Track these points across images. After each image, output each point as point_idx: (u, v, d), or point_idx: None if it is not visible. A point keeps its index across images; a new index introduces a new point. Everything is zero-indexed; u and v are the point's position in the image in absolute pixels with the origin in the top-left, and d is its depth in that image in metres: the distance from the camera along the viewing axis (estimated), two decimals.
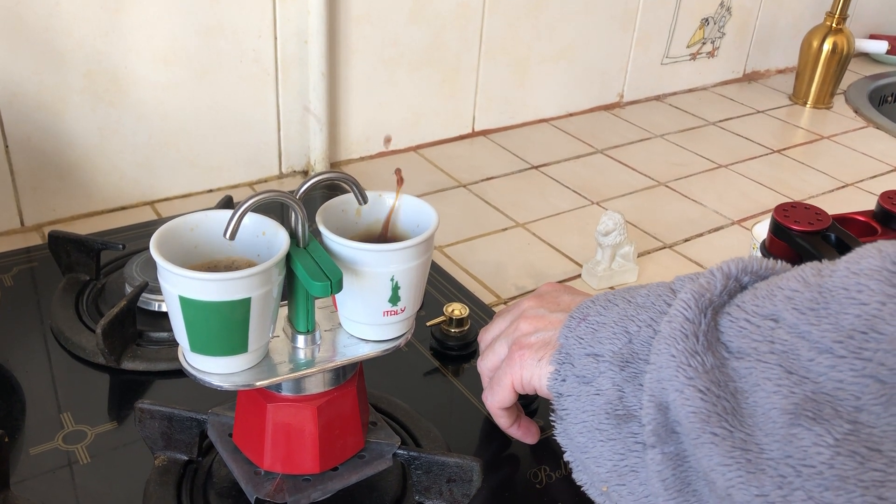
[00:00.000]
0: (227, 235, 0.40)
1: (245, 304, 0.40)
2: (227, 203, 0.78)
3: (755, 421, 0.34)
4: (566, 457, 0.45)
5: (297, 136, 0.92)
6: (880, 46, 1.31)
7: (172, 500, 0.50)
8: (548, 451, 0.57)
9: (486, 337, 0.56)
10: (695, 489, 0.37)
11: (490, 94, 1.06)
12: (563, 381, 0.44)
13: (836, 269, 0.35)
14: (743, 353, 0.36)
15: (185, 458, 0.52)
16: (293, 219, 0.43)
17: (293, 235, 0.43)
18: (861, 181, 1.02)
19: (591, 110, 1.17)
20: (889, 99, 1.38)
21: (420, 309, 0.71)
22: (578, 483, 0.44)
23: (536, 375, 0.47)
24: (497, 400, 0.52)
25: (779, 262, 0.41)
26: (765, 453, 0.33)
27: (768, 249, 0.69)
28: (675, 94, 1.25)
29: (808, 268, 0.37)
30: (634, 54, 1.17)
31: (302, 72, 0.88)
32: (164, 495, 0.50)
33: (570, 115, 1.15)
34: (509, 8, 1.01)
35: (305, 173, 0.93)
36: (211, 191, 0.89)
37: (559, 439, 0.45)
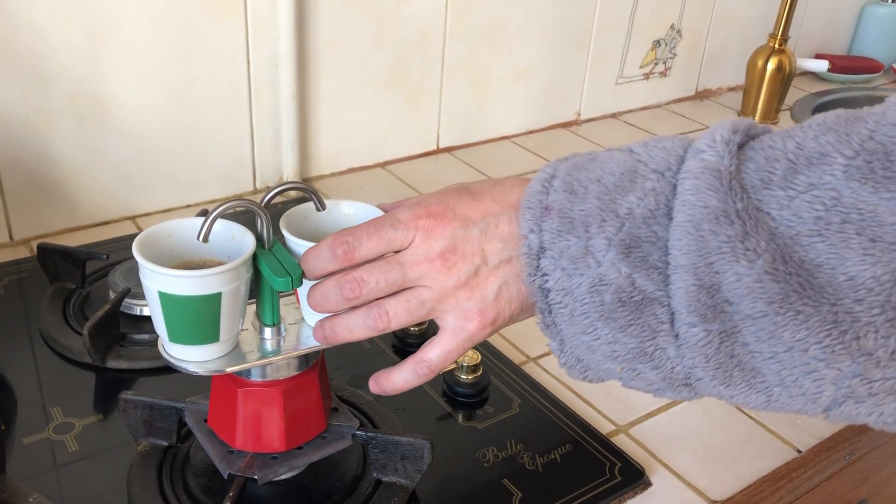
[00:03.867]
0: (201, 238, 0.46)
1: (216, 298, 0.46)
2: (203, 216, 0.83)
3: (839, 291, 0.35)
4: (552, 346, 0.45)
5: (269, 154, 0.98)
6: (821, 65, 1.39)
7: (154, 482, 0.55)
8: (495, 434, 0.63)
9: (368, 291, 0.46)
10: (740, 360, 0.39)
11: (453, 113, 1.12)
12: (546, 276, 0.43)
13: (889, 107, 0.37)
14: (797, 220, 0.36)
15: (166, 443, 0.58)
16: (259, 224, 0.49)
17: (259, 238, 0.49)
18: None
19: (550, 128, 1.24)
20: None
21: None
22: (565, 366, 0.45)
23: (510, 325, 0.47)
24: (415, 379, 0.49)
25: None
26: (859, 322, 0.36)
27: None
28: (630, 111, 1.33)
29: (836, 118, 0.39)
30: (590, 74, 1.24)
31: (273, 94, 0.94)
32: (145, 477, 0.55)
33: (530, 132, 1.22)
34: (469, 32, 1.08)
35: None
36: (189, 206, 0.95)
37: (544, 331, 0.44)
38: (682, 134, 1.24)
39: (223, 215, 0.47)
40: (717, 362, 0.39)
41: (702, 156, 0.39)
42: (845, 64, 1.51)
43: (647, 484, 0.60)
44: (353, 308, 0.47)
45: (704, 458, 0.63)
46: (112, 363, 0.66)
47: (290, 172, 0.97)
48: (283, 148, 0.96)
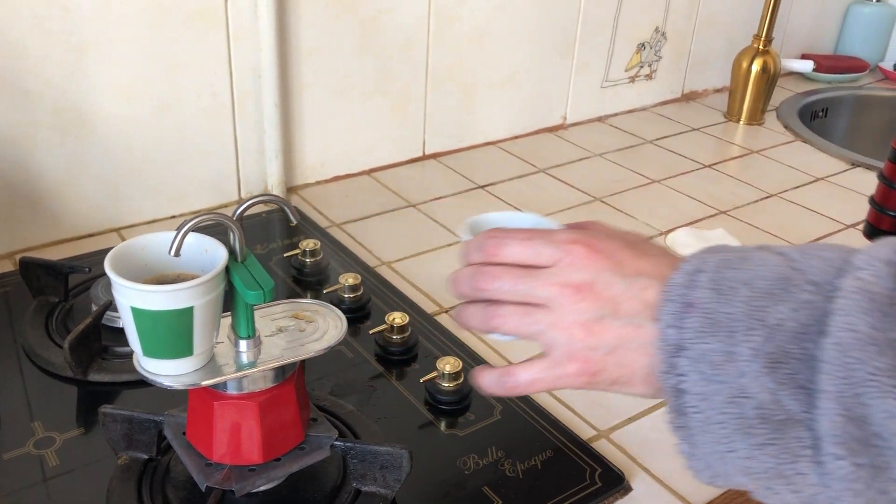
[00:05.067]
0: (172, 252, 0.46)
1: (189, 312, 0.46)
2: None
3: None
4: (680, 448, 0.42)
5: (254, 163, 0.98)
6: (806, 66, 1.39)
7: (133, 494, 0.55)
8: (476, 441, 0.63)
9: (488, 288, 0.47)
10: (892, 497, 0.36)
11: (439, 120, 1.13)
12: (682, 376, 0.40)
13: None
14: None
15: (146, 456, 0.58)
16: (231, 237, 0.49)
17: (232, 252, 0.49)
18: (784, 192, 1.09)
19: (536, 132, 1.24)
20: (820, 114, 1.47)
21: (366, 319, 0.78)
22: (694, 472, 0.42)
23: (606, 389, 0.45)
24: (505, 394, 0.48)
25: None
26: None
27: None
28: (616, 115, 1.33)
29: None
30: (575, 79, 1.25)
31: (257, 104, 0.94)
32: (125, 490, 0.55)
33: (517, 137, 1.23)
34: (453, 39, 1.08)
35: None
36: (174, 217, 0.95)
37: (676, 432, 0.41)
38: (664, 137, 1.25)
39: (196, 229, 0.48)
40: (869, 499, 0.36)
41: (859, 274, 0.37)
42: (831, 64, 1.52)
43: (628, 489, 0.60)
44: (481, 301, 0.48)
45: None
46: (94, 376, 0.67)
47: (274, 182, 0.98)
48: (268, 157, 0.96)
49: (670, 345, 0.40)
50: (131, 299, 0.46)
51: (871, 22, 1.59)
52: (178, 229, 0.46)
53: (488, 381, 0.48)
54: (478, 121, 1.17)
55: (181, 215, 0.96)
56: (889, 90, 1.52)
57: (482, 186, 1.07)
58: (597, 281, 0.44)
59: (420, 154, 1.14)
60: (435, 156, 1.15)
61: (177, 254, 0.46)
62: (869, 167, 1.20)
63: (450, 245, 0.93)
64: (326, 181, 1.06)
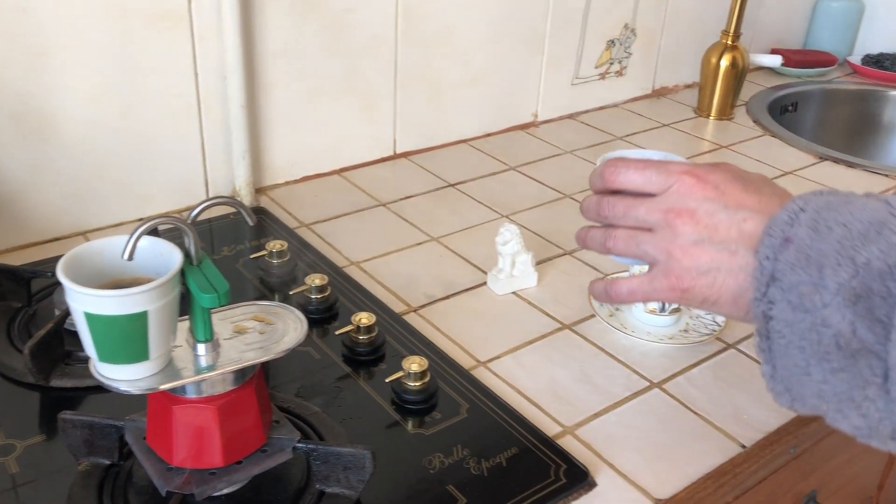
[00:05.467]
0: (125, 256, 0.46)
1: (143, 316, 0.46)
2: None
3: None
4: (763, 370, 0.46)
5: (222, 165, 0.97)
6: (775, 60, 1.40)
7: (94, 501, 0.55)
8: (442, 440, 0.63)
9: (608, 215, 0.54)
10: None
11: (409, 119, 1.13)
12: (772, 303, 0.44)
13: None
14: None
15: (108, 462, 0.57)
16: (186, 240, 0.49)
17: (187, 255, 0.49)
18: None
19: (508, 130, 1.25)
20: (790, 108, 1.48)
21: (334, 320, 0.78)
22: (773, 391, 0.46)
23: (697, 307, 0.50)
24: (611, 302, 0.56)
25: None
26: None
27: None
28: (587, 111, 1.33)
29: None
30: (546, 76, 1.25)
31: (223, 105, 0.94)
32: (86, 496, 0.55)
33: (488, 135, 1.23)
34: (420, 38, 1.08)
35: (232, 199, 0.99)
36: (141, 219, 0.94)
37: (760, 354, 0.46)
38: (635, 133, 1.26)
39: (153, 232, 0.47)
40: None
41: None
42: (800, 58, 1.53)
43: (592, 485, 0.60)
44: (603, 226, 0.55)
45: (650, 456, 0.64)
46: (57, 382, 0.66)
47: (242, 183, 0.97)
48: (235, 159, 0.96)
49: (765, 275, 0.45)
50: (84, 304, 0.45)
51: (839, 16, 1.60)
52: (132, 234, 0.46)
53: (598, 291, 0.56)
54: (449, 119, 1.17)
55: (148, 217, 0.95)
56: (857, 84, 1.54)
57: (453, 185, 1.07)
58: (699, 209, 0.49)
59: (391, 153, 1.14)
60: (406, 154, 1.15)
61: (130, 258, 0.46)
62: (836, 161, 1.21)
63: (419, 244, 0.93)
64: (296, 181, 1.05)
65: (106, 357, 0.47)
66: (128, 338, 0.47)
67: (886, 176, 1.17)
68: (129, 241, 0.46)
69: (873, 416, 0.42)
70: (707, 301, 0.50)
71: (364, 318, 0.72)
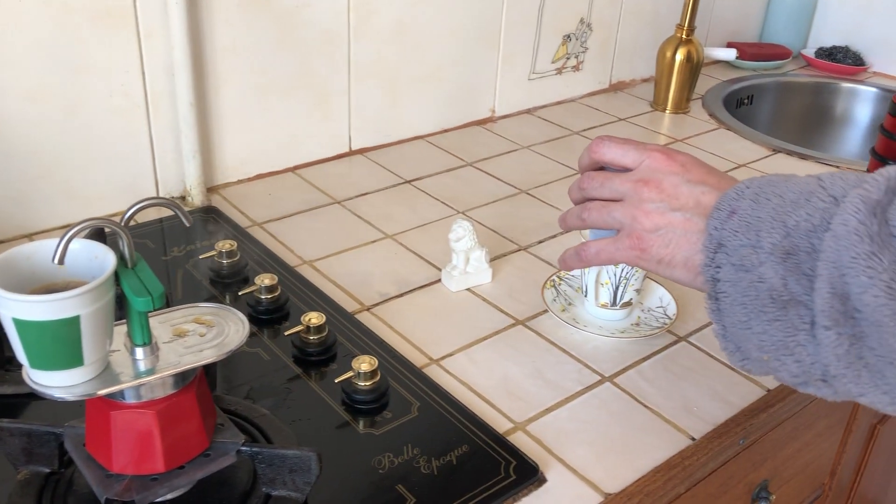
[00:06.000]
0: (55, 260, 0.45)
1: (75, 321, 0.45)
2: (96, 234, 0.81)
3: None
4: (715, 330, 0.52)
5: (172, 163, 0.96)
6: (730, 54, 1.42)
7: None
8: (392, 440, 0.63)
9: (589, 190, 0.61)
10: (867, 362, 0.45)
11: (364, 115, 1.12)
12: (719, 268, 0.50)
13: None
14: None
15: (48, 470, 0.56)
16: (120, 243, 0.48)
17: (122, 257, 0.48)
18: None
19: (465, 126, 1.24)
20: (745, 101, 1.50)
21: (284, 320, 0.77)
22: (726, 350, 0.52)
23: (654, 269, 0.56)
24: (583, 265, 0.61)
25: None
26: None
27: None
28: (544, 106, 1.33)
29: None
30: (502, 71, 1.25)
31: (171, 103, 0.92)
32: None
33: (445, 130, 1.22)
34: (374, 32, 1.07)
35: (183, 199, 0.97)
36: (89, 219, 0.92)
37: (711, 315, 0.51)
38: (592, 128, 1.26)
39: (82, 234, 0.46)
40: (848, 362, 0.45)
41: (865, 186, 0.46)
42: (755, 51, 1.55)
43: (542, 481, 0.60)
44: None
45: (601, 450, 0.64)
46: None
47: (193, 182, 0.96)
48: (185, 157, 0.94)
49: (713, 243, 0.51)
50: (12, 310, 0.44)
51: (793, 10, 1.62)
52: (62, 237, 0.45)
53: (569, 255, 0.63)
54: (404, 115, 1.16)
55: (81, 220, 0.93)
56: (810, 77, 1.56)
57: (409, 181, 1.07)
58: (664, 180, 0.56)
59: (346, 150, 1.13)
60: (362, 151, 1.14)
61: (60, 262, 0.45)
62: (790, 153, 1.22)
63: (374, 242, 0.92)
64: (249, 179, 1.04)
65: (38, 364, 0.46)
66: (60, 343, 0.45)
67: (837, 167, 1.18)
68: (59, 245, 0.45)
69: (805, 361, 0.47)
70: (662, 262, 0.55)
71: (314, 317, 0.71)
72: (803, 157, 1.21)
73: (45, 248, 0.48)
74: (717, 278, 0.50)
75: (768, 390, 0.71)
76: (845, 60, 1.57)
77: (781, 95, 1.55)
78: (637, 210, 0.56)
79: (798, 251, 0.47)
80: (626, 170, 0.59)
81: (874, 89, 1.52)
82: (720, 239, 0.50)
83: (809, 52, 1.62)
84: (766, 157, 1.21)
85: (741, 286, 0.49)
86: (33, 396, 0.64)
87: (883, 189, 0.45)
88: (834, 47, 1.61)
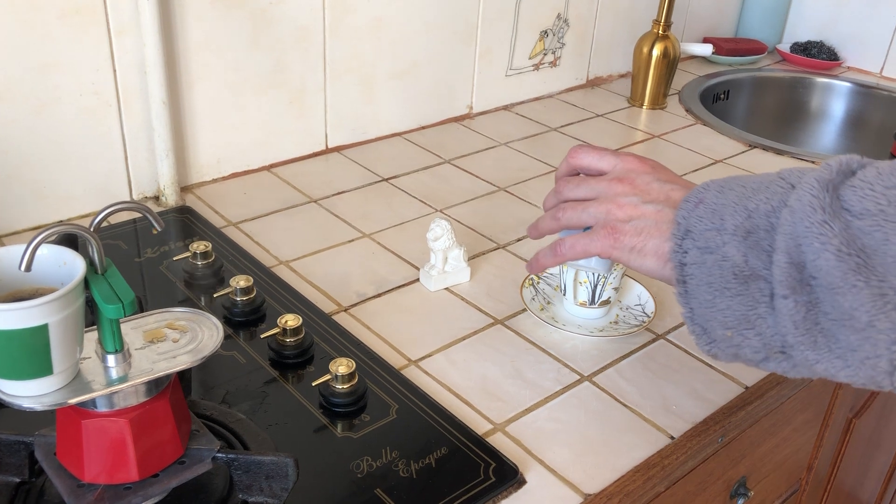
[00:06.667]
0: (22, 268, 0.44)
1: (43, 330, 0.44)
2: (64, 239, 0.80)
3: (887, 269, 0.45)
4: (683, 314, 0.55)
5: (145, 163, 0.94)
6: (706, 49, 1.42)
7: None
8: (370, 443, 0.62)
9: (565, 193, 0.64)
10: (822, 327, 0.48)
11: (340, 112, 1.11)
12: (686, 252, 0.54)
13: None
14: (866, 213, 0.46)
15: (18, 479, 0.55)
16: (89, 248, 0.47)
17: (92, 263, 0.47)
18: (684, 174, 1.11)
19: (443, 122, 1.24)
20: (722, 96, 1.50)
21: (261, 322, 0.76)
22: (693, 334, 0.54)
23: (626, 258, 0.59)
24: (558, 260, 0.64)
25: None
26: None
27: None
28: (522, 103, 1.33)
29: None
30: (479, 67, 1.24)
31: (143, 101, 0.91)
32: None
33: (423, 127, 1.21)
34: (349, 30, 1.06)
35: (157, 198, 0.96)
36: (62, 221, 0.91)
37: (679, 299, 0.54)
38: (569, 124, 1.26)
39: (50, 240, 0.45)
40: (805, 329, 0.48)
41: (820, 171, 0.50)
42: (731, 46, 1.55)
43: (522, 482, 0.60)
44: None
45: (580, 451, 0.64)
46: None
47: (167, 181, 0.94)
48: (158, 156, 0.93)
49: (681, 230, 0.54)
50: None
51: (768, 5, 1.63)
52: (28, 243, 0.44)
53: (544, 252, 0.65)
54: (381, 112, 1.16)
55: (70, 219, 0.92)
56: (786, 71, 1.57)
57: (386, 179, 1.06)
58: (637, 178, 0.60)
59: (323, 148, 1.12)
60: (338, 149, 1.13)
61: (27, 269, 0.44)
62: (766, 148, 1.23)
63: (351, 241, 0.91)
64: (224, 178, 1.03)
65: (6, 373, 0.45)
66: (28, 352, 0.44)
67: (813, 162, 1.19)
68: (25, 252, 0.44)
69: (766, 333, 0.50)
70: (634, 249, 0.58)
71: (290, 319, 0.70)
72: (779, 152, 1.22)
73: (11, 255, 0.47)
74: (683, 262, 0.54)
75: (746, 388, 0.72)
76: (820, 55, 1.58)
77: (757, 90, 1.55)
78: (611, 203, 0.60)
79: (758, 230, 0.50)
80: (601, 175, 0.64)
81: (848, 84, 1.53)
82: (688, 226, 0.54)
83: (784, 47, 1.63)
84: (743, 152, 1.21)
85: (706, 266, 0.52)
86: (1, 405, 0.64)
87: (835, 171, 0.49)
88: (809, 42, 1.62)
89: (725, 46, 1.55)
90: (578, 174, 0.67)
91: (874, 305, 0.45)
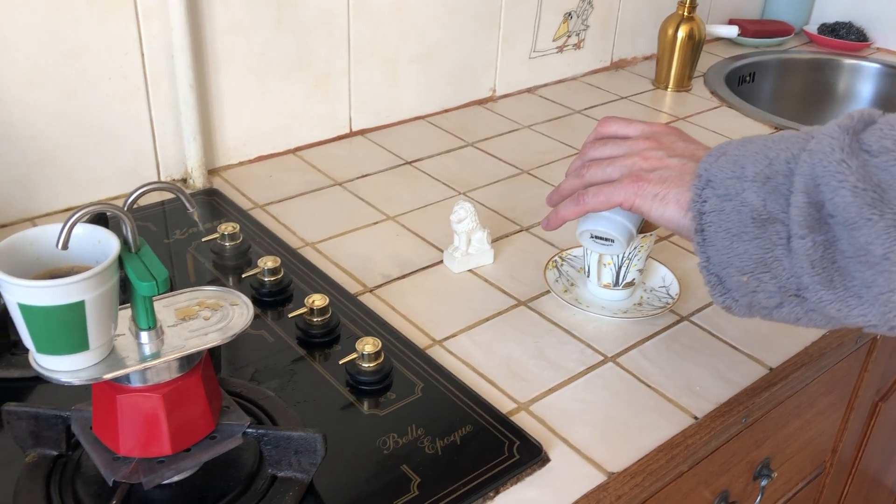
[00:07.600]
0: (59, 245, 0.45)
1: (80, 306, 0.45)
2: (97, 218, 0.81)
3: None
4: (700, 264, 0.56)
5: (172, 145, 0.96)
6: (731, 31, 1.41)
7: (41, 492, 0.54)
8: (396, 420, 0.63)
9: (591, 154, 0.67)
10: (839, 265, 0.49)
11: (364, 96, 1.11)
12: (705, 202, 0.55)
13: None
14: (884, 151, 0.48)
15: (55, 453, 0.57)
16: (123, 227, 0.48)
17: (125, 242, 0.48)
18: None
19: (466, 105, 1.24)
20: (747, 79, 1.49)
21: (288, 302, 0.77)
22: (709, 284, 0.56)
23: (649, 206, 0.60)
24: (580, 210, 0.65)
25: None
26: None
27: None
28: (545, 85, 1.33)
29: None
30: (503, 50, 1.24)
31: (171, 85, 0.92)
32: (32, 488, 0.54)
33: (446, 111, 1.22)
34: (373, 13, 1.07)
35: (185, 181, 0.97)
36: (93, 203, 0.92)
37: (697, 248, 0.56)
38: (593, 106, 1.26)
39: (85, 219, 0.46)
40: (822, 267, 0.49)
41: (841, 118, 0.51)
42: (757, 28, 1.54)
43: (546, 460, 0.61)
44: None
45: (604, 430, 0.64)
46: (2, 373, 0.65)
47: (194, 164, 0.95)
48: (186, 139, 0.94)
49: (702, 181, 0.56)
50: (17, 296, 0.44)
51: None
52: (65, 222, 0.45)
53: (564, 206, 0.66)
54: (405, 95, 1.16)
55: (99, 202, 0.93)
56: (813, 53, 1.55)
57: (410, 162, 1.07)
58: (663, 138, 0.64)
59: (347, 131, 1.12)
60: (362, 132, 1.14)
61: (64, 247, 0.45)
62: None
63: (376, 223, 0.92)
64: (250, 161, 1.04)
65: (44, 348, 0.46)
66: (66, 328, 0.46)
67: None
68: (62, 230, 0.45)
69: (782, 276, 0.52)
70: (657, 197, 0.59)
71: (317, 299, 0.71)
72: None
73: (48, 234, 0.48)
74: (702, 211, 0.55)
75: (770, 369, 0.72)
76: (848, 36, 1.56)
77: (783, 73, 1.54)
78: (637, 157, 0.62)
79: (777, 175, 0.52)
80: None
81: (877, 65, 1.51)
82: (709, 177, 0.56)
83: (812, 28, 1.61)
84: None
85: (724, 213, 0.54)
86: (40, 380, 0.64)
87: (856, 119, 0.51)
88: (837, 23, 1.60)
89: (751, 28, 1.53)
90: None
91: (889, 238, 0.47)
